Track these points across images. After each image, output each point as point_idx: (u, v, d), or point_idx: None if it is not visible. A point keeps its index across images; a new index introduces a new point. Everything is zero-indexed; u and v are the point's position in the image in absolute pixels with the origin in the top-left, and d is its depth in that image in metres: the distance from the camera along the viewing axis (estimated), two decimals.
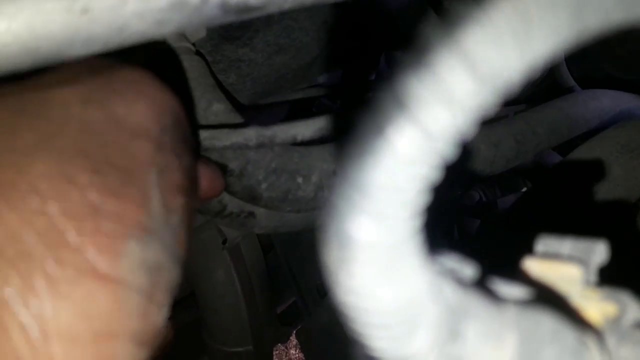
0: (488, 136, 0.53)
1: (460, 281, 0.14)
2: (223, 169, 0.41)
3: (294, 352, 1.19)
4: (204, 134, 0.39)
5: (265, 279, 0.73)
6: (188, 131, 0.25)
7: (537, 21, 0.09)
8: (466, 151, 0.50)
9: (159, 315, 0.20)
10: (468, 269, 0.15)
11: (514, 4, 0.09)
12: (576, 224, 0.47)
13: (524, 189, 0.73)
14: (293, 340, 1.24)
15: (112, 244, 0.19)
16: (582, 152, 0.51)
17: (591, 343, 0.15)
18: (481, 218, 0.82)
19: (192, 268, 0.70)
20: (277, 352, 1.21)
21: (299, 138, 0.41)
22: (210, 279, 0.71)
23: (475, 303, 0.14)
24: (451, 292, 0.13)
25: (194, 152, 0.24)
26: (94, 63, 0.22)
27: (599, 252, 0.18)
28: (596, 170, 0.43)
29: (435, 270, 0.13)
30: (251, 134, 0.39)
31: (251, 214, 0.47)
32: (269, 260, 0.74)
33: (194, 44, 0.45)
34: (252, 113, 0.47)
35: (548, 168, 0.65)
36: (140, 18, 0.22)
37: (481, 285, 0.15)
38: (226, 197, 0.45)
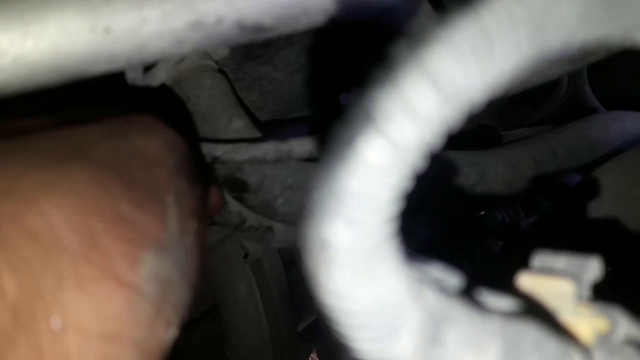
0: (507, 157, 0.53)
1: (444, 289, 0.15)
2: (240, 183, 0.42)
3: None
4: (223, 148, 0.40)
5: (286, 295, 0.74)
6: (195, 166, 0.27)
7: (498, 39, 0.10)
8: (482, 172, 0.51)
9: (165, 331, 0.22)
10: (453, 279, 0.15)
11: (475, 23, 0.10)
12: (595, 244, 0.47)
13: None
14: (314, 358, 1.24)
15: (133, 252, 0.20)
16: (603, 173, 0.50)
17: (576, 355, 0.15)
18: (503, 239, 0.82)
19: (215, 281, 0.71)
20: None
21: (316, 154, 0.42)
22: (232, 292, 0.72)
23: (457, 311, 0.14)
24: (433, 299, 0.14)
25: (203, 183, 0.27)
26: (111, 111, 0.25)
27: (593, 268, 0.18)
28: (615, 191, 0.43)
29: (416, 276, 0.13)
30: (269, 149, 0.40)
31: (269, 228, 0.47)
32: (291, 276, 0.74)
33: (217, 62, 0.46)
34: (272, 129, 0.48)
35: (568, 188, 0.64)
36: (159, 38, 0.23)
37: (468, 295, 0.15)
38: (245, 212, 0.46)
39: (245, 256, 0.64)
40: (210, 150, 0.40)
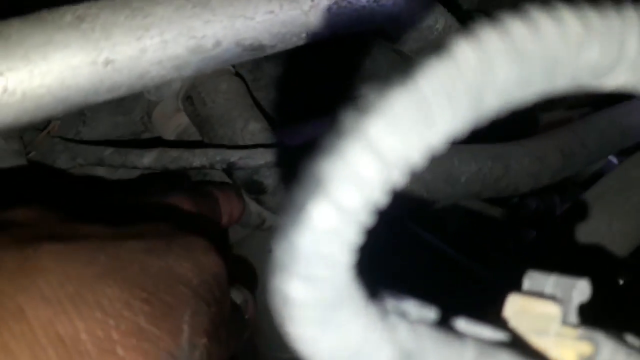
0: (532, 150, 0.53)
1: (419, 321, 0.16)
2: (258, 185, 0.43)
3: None
4: (239, 154, 0.42)
5: None
6: (223, 287, 0.31)
7: (436, 108, 0.11)
8: (506, 166, 0.50)
9: None
10: (429, 311, 0.16)
11: (413, 94, 0.10)
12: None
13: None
14: None
15: None
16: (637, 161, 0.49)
17: None
18: (537, 227, 0.81)
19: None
20: None
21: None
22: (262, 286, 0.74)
23: (432, 343, 0.15)
24: (405, 332, 0.15)
25: (222, 304, 0.31)
26: (164, 229, 0.30)
27: (581, 290, 0.19)
28: None
29: (385, 313, 0.14)
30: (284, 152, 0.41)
31: None
32: None
33: (233, 65, 0.48)
34: (289, 131, 0.49)
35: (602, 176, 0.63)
36: (159, 65, 0.24)
37: (445, 324, 0.16)
38: (264, 212, 0.48)
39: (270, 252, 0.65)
40: (226, 156, 0.42)
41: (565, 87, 0.12)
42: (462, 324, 0.17)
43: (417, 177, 0.47)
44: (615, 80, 0.12)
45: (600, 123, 0.54)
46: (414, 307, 0.16)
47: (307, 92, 0.55)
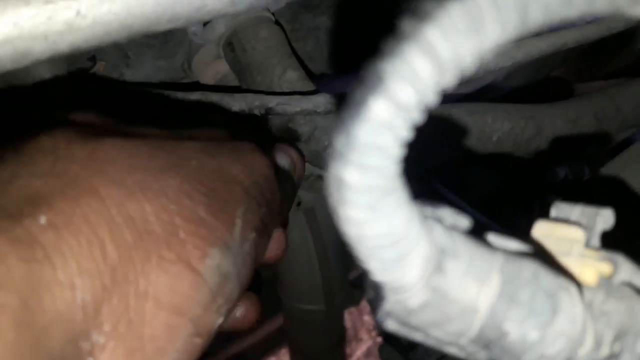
0: (566, 112, 0.54)
1: (454, 228, 0.18)
2: (292, 133, 0.45)
3: (367, 318, 1.24)
4: (276, 100, 0.44)
5: (338, 243, 0.78)
6: (273, 189, 0.33)
7: (487, 18, 0.12)
8: (539, 127, 0.51)
9: (215, 317, 0.28)
10: (463, 220, 0.18)
11: (468, 5, 0.12)
12: None
13: None
14: (367, 307, 1.29)
15: (203, 246, 0.27)
16: None
17: (573, 290, 0.18)
18: (565, 196, 0.81)
19: None
20: (351, 316, 1.26)
21: None
22: None
23: (462, 245, 0.17)
24: (439, 233, 0.17)
25: (272, 204, 0.33)
26: (216, 132, 0.33)
27: (605, 218, 0.21)
28: None
29: (426, 214, 0.16)
30: (320, 101, 0.43)
31: (319, 177, 0.51)
32: None
33: (273, 14, 0.49)
34: (326, 81, 0.51)
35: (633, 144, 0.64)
36: None
37: (477, 235, 0.18)
38: None
39: (299, 204, 0.68)
40: (264, 101, 0.43)
41: (604, 10, 0.14)
42: (492, 237, 0.19)
43: (450, 131, 0.49)
44: None
45: (637, 90, 0.55)
46: (449, 214, 0.18)
47: (344, 44, 0.56)
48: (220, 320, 0.28)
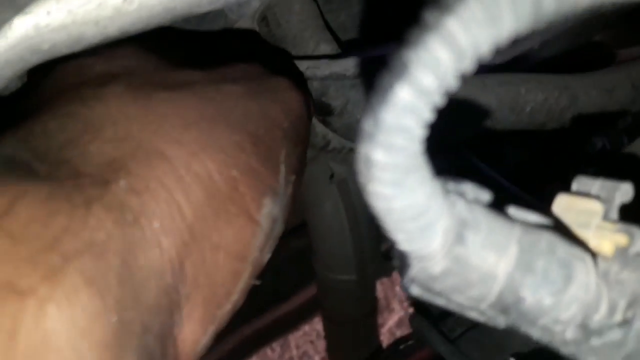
0: (602, 81, 0.53)
1: (474, 201, 0.19)
2: (326, 107, 0.47)
3: (399, 289, 1.26)
4: (306, 64, 0.45)
5: (371, 215, 0.80)
6: (306, 125, 0.35)
7: (504, 9, 0.13)
8: (573, 97, 0.51)
9: (266, 257, 0.30)
10: (484, 194, 0.19)
11: None
12: None
13: None
14: (399, 278, 1.30)
15: (259, 197, 0.29)
16: None
17: (588, 259, 0.19)
18: (602, 167, 0.81)
19: (304, 199, 0.78)
20: (383, 287, 1.28)
21: None
22: (319, 210, 0.79)
23: (482, 217, 0.19)
24: (461, 206, 0.18)
25: (306, 143, 0.35)
26: (252, 69, 0.34)
27: (623, 191, 0.22)
28: None
29: (446, 188, 0.18)
30: (349, 64, 0.44)
31: (352, 150, 0.52)
32: None
33: None
34: (358, 54, 0.51)
35: None
36: None
37: (496, 208, 0.20)
38: (330, 134, 0.52)
39: (331, 176, 0.69)
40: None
41: None
42: (512, 210, 0.20)
43: (482, 104, 0.49)
44: None
45: None
46: (471, 189, 0.19)
47: (377, 17, 0.57)
48: (268, 257, 0.31)
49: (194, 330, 0.26)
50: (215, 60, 0.34)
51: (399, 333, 1.21)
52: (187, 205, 0.26)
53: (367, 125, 0.15)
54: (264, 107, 0.31)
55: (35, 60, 0.25)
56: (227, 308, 0.28)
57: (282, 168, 0.31)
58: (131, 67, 0.30)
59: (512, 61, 0.65)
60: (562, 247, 0.19)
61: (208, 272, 0.27)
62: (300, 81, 0.38)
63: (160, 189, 0.25)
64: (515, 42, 0.47)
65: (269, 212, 0.29)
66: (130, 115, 0.27)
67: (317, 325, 1.20)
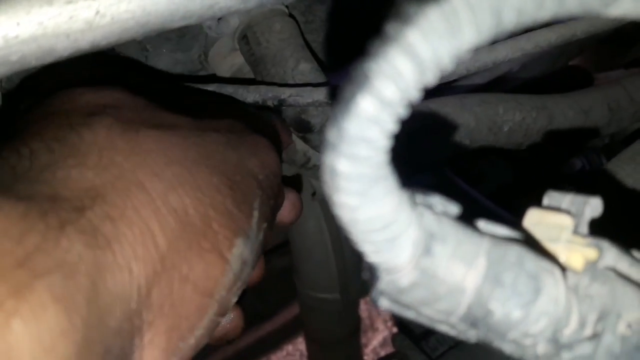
0: (578, 102, 0.54)
1: (443, 213, 0.19)
2: (305, 124, 0.47)
3: None
4: (289, 91, 0.45)
5: None
6: (279, 184, 0.36)
7: (463, 21, 0.14)
8: (550, 117, 0.52)
9: (234, 298, 0.31)
10: (453, 206, 0.19)
11: (445, 9, 0.13)
12: None
13: None
14: None
15: (231, 237, 0.30)
16: None
17: (557, 273, 0.19)
18: (581, 188, 0.81)
19: None
20: (367, 306, 1.27)
21: None
22: (301, 228, 0.79)
23: (450, 230, 0.19)
24: (431, 220, 0.18)
25: (278, 198, 0.36)
26: (235, 125, 0.35)
27: (593, 206, 0.22)
28: None
29: (413, 200, 0.18)
30: (331, 91, 0.44)
31: None
32: None
33: (287, 6, 0.51)
34: (337, 73, 0.52)
35: None
36: None
37: (466, 221, 0.20)
38: (310, 151, 0.52)
39: (313, 194, 0.69)
40: (277, 93, 0.45)
41: (575, 11, 0.15)
42: (481, 223, 0.20)
43: (461, 123, 0.50)
44: (619, 8, 0.15)
45: None
46: (439, 201, 0.19)
47: (356, 36, 0.57)
48: (235, 300, 0.31)
49: (155, 357, 0.27)
50: (203, 111, 0.36)
51: (383, 353, 1.20)
52: (161, 235, 0.26)
53: (331, 135, 0.15)
54: (242, 158, 0.33)
55: (2, 71, 0.24)
56: (190, 342, 0.29)
57: (256, 214, 0.32)
58: (121, 101, 0.31)
59: (492, 82, 0.66)
60: (531, 260, 0.19)
61: (174, 302, 0.27)
62: (277, 143, 0.40)
63: (136, 217, 0.26)
64: (495, 64, 0.47)
65: (239, 253, 0.30)
66: (116, 146, 0.28)
67: (300, 345, 1.19)
